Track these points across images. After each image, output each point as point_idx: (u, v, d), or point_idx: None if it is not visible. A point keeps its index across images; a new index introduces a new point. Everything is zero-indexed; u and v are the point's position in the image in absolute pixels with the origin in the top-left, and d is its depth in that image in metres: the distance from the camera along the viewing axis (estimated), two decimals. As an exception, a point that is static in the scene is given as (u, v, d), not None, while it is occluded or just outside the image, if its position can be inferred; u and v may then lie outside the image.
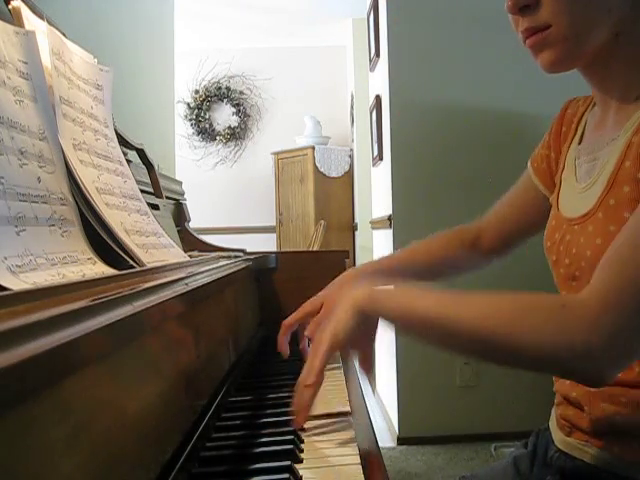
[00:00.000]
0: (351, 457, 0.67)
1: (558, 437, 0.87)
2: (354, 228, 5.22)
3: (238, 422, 0.80)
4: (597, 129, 0.84)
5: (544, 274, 0.95)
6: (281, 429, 0.74)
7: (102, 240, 0.79)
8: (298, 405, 0.72)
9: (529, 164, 1.01)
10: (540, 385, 1.38)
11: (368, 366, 0.77)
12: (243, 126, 5.81)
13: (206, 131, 5.81)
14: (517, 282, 1.71)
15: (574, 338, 0.58)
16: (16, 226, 0.60)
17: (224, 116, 5.84)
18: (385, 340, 3.26)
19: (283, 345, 0.99)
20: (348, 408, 0.81)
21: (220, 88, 5.79)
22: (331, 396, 0.90)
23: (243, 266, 1.19)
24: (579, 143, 0.88)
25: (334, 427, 0.77)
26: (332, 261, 1.53)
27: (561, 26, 0.72)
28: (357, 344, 0.76)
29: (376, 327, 0.75)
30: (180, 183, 1.73)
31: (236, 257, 1.32)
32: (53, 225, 0.68)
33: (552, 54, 0.75)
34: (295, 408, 0.72)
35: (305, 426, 0.75)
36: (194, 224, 1.63)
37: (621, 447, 0.76)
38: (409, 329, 0.73)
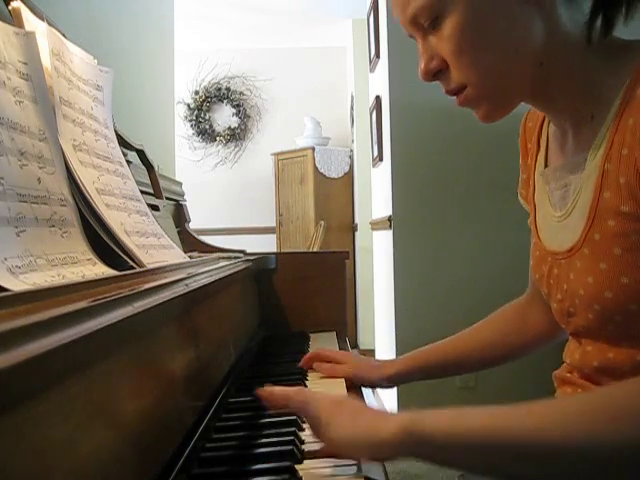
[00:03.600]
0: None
1: None
2: (354, 229, 5.21)
3: (238, 423, 0.80)
4: (560, 150, 0.79)
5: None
6: (281, 430, 0.74)
7: (102, 241, 0.79)
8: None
9: (519, 197, 0.94)
10: (540, 386, 1.38)
11: None
12: (243, 127, 5.81)
13: (206, 132, 5.81)
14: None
15: None
16: (16, 227, 0.60)
17: (224, 117, 5.84)
18: (385, 340, 3.26)
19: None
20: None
21: (220, 89, 5.79)
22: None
23: (243, 267, 1.19)
24: (545, 163, 0.83)
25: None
26: (332, 262, 1.53)
27: (475, 85, 0.70)
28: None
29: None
30: (180, 184, 1.73)
31: (236, 258, 1.32)
32: (53, 226, 0.68)
33: (482, 110, 0.73)
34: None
35: (305, 427, 0.75)
36: (194, 225, 1.63)
37: None
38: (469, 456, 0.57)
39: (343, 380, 0.99)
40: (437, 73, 0.72)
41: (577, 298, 0.72)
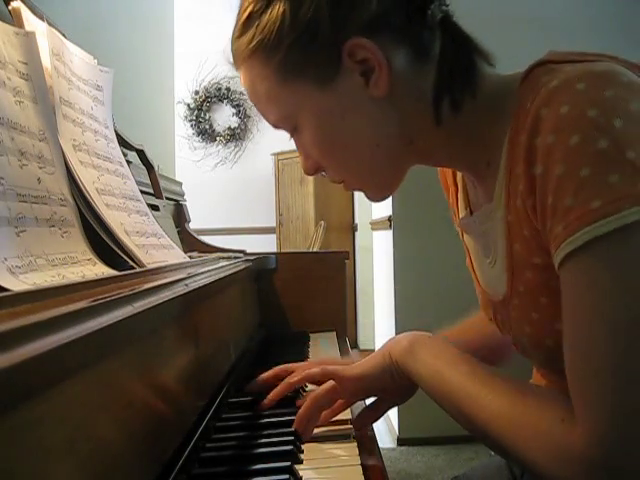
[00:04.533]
0: (351, 458, 0.67)
1: None
2: (354, 229, 5.21)
3: (238, 423, 0.80)
4: (473, 195, 0.78)
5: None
6: (281, 430, 0.74)
7: (102, 241, 0.79)
8: (303, 417, 0.72)
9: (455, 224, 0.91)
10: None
11: (370, 419, 0.76)
12: (243, 127, 5.81)
13: (206, 132, 5.81)
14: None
15: (569, 468, 0.53)
16: (16, 227, 0.60)
17: (224, 117, 5.84)
18: (385, 340, 3.26)
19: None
20: (349, 415, 0.81)
21: (220, 89, 5.79)
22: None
23: (243, 267, 1.19)
24: (465, 206, 0.80)
25: (334, 427, 0.77)
26: (332, 262, 1.53)
27: (349, 181, 0.73)
28: (383, 392, 0.74)
29: (409, 385, 0.71)
30: (180, 184, 1.73)
31: (236, 258, 1.32)
32: (53, 226, 0.68)
33: (369, 194, 0.74)
34: (300, 421, 0.72)
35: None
36: (194, 225, 1.63)
37: None
38: (433, 391, 0.67)
39: None
40: (318, 169, 0.73)
41: (525, 345, 0.72)
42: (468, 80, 0.65)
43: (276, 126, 0.72)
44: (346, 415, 0.80)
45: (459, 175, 0.82)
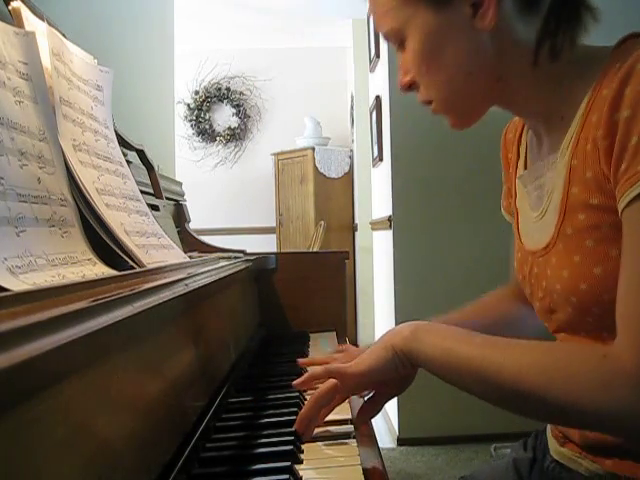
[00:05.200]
0: (351, 458, 0.67)
1: (553, 447, 0.86)
2: (354, 229, 5.21)
3: (238, 423, 0.80)
4: (537, 154, 0.83)
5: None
6: (281, 430, 0.74)
7: (102, 241, 0.79)
8: (304, 417, 0.72)
9: (502, 209, 1.00)
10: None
11: (371, 413, 0.76)
12: (243, 127, 5.81)
13: (206, 132, 5.81)
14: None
15: (618, 394, 0.57)
16: (16, 227, 0.60)
17: (224, 117, 5.84)
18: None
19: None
20: (349, 414, 0.81)
21: (220, 89, 5.79)
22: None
23: (243, 267, 1.19)
24: (524, 168, 0.86)
25: (334, 427, 0.77)
26: (332, 262, 1.53)
27: (437, 101, 0.78)
28: (381, 386, 0.75)
29: (410, 374, 0.74)
30: (180, 184, 1.73)
31: (236, 258, 1.32)
32: (53, 226, 0.68)
33: (450, 120, 0.80)
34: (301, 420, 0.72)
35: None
36: (194, 225, 1.63)
37: (614, 462, 0.74)
38: (448, 371, 0.69)
39: None
40: (412, 85, 0.79)
41: (555, 293, 0.75)
42: (571, 31, 0.72)
43: (386, 38, 0.78)
44: (346, 415, 0.80)
45: (523, 144, 0.88)
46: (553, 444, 0.86)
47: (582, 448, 0.78)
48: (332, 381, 0.74)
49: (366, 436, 0.75)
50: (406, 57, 0.77)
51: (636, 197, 0.60)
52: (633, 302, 0.59)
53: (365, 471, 0.63)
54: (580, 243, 0.70)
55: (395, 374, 0.73)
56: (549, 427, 0.89)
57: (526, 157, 0.87)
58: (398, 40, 0.76)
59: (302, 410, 0.73)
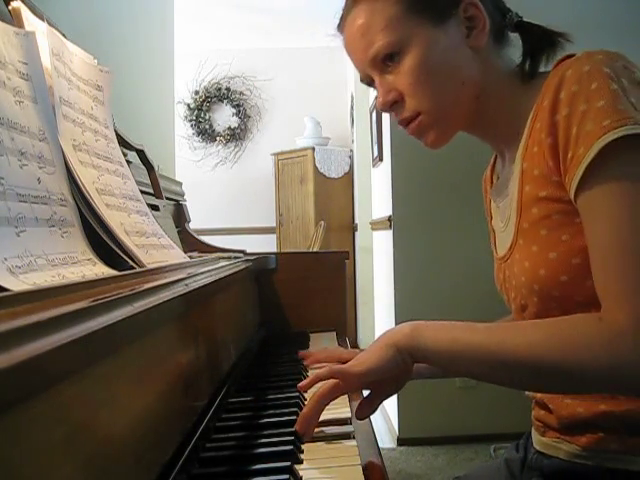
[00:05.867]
0: (351, 458, 0.67)
1: (536, 438, 0.90)
2: (354, 229, 5.21)
3: (238, 423, 0.80)
4: (502, 170, 0.92)
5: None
6: (281, 430, 0.74)
7: (102, 241, 0.79)
8: (305, 416, 0.72)
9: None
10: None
11: (368, 410, 0.77)
12: (243, 127, 5.81)
13: (206, 132, 5.81)
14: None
15: (619, 348, 0.62)
16: (16, 227, 0.60)
17: (224, 117, 5.84)
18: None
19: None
20: (349, 414, 0.81)
21: (220, 89, 5.79)
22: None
23: (243, 267, 1.19)
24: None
25: (334, 428, 0.77)
26: (332, 262, 1.53)
27: (428, 112, 0.82)
28: (379, 385, 0.76)
29: (408, 372, 0.76)
30: (180, 184, 1.73)
31: (236, 258, 1.32)
32: (53, 226, 0.68)
33: (431, 136, 0.85)
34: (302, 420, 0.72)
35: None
36: (194, 225, 1.63)
37: (588, 439, 0.80)
38: (456, 361, 0.72)
39: None
40: (393, 104, 0.84)
41: (522, 287, 0.81)
42: (545, 54, 0.84)
43: (374, 58, 0.82)
44: (346, 414, 0.80)
45: (496, 173, 0.98)
46: (535, 436, 0.91)
47: (560, 432, 0.84)
48: (333, 381, 0.74)
49: (366, 436, 0.75)
50: (390, 76, 0.83)
51: (583, 176, 0.68)
52: (613, 268, 0.66)
53: (365, 471, 0.63)
54: (536, 234, 0.78)
55: (396, 371, 0.74)
56: (533, 421, 0.92)
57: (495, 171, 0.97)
58: (393, 51, 0.81)
59: (304, 410, 0.73)
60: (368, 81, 0.88)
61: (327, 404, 0.74)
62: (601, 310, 0.66)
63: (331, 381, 0.74)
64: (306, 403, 0.74)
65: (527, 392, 0.90)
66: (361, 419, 0.76)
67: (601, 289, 0.67)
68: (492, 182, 0.99)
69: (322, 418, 0.76)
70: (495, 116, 0.85)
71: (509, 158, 0.87)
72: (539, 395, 0.87)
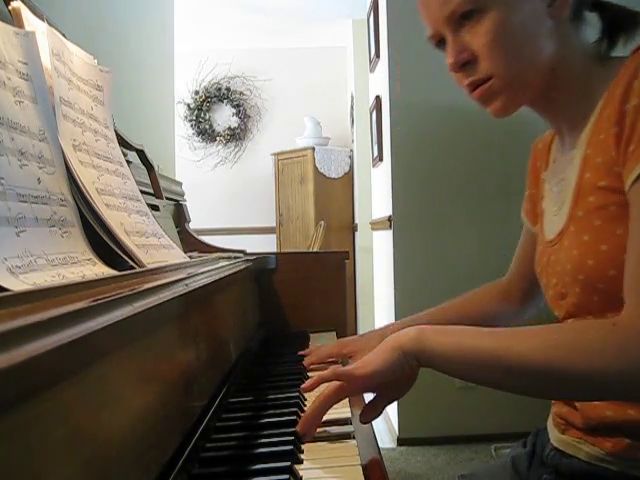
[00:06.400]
0: (351, 458, 0.67)
1: (554, 435, 0.88)
2: (354, 229, 5.21)
3: (238, 423, 0.80)
4: (559, 153, 0.90)
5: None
6: (281, 430, 0.74)
7: (102, 241, 0.79)
8: (308, 417, 0.72)
9: (522, 212, 1.07)
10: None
11: (372, 415, 0.76)
12: (243, 127, 5.81)
13: (206, 132, 5.81)
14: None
15: (633, 354, 0.61)
16: (16, 227, 0.60)
17: (224, 117, 5.84)
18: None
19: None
20: (349, 414, 0.81)
21: (220, 89, 5.79)
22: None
23: (243, 267, 1.19)
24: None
25: (335, 427, 0.77)
26: (332, 262, 1.53)
27: (502, 76, 0.78)
28: (384, 389, 0.75)
29: (413, 376, 0.75)
30: (180, 184, 1.73)
31: (236, 258, 1.32)
32: (53, 226, 0.68)
33: (499, 103, 0.81)
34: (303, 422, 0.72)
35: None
36: (194, 225, 1.63)
37: (613, 444, 0.77)
38: (462, 365, 0.70)
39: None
40: (464, 65, 0.80)
41: (567, 275, 0.79)
42: (628, 33, 0.82)
43: (452, 13, 0.78)
44: (346, 415, 0.80)
45: (552, 154, 0.94)
46: (554, 433, 0.88)
47: (584, 432, 0.81)
48: (337, 383, 0.73)
49: (366, 436, 0.75)
50: (466, 34, 0.79)
51: None
52: None
53: (365, 471, 0.63)
54: (589, 223, 0.76)
55: (401, 375, 0.73)
56: (550, 417, 0.91)
57: (554, 163, 0.93)
58: (472, 7, 0.77)
59: (307, 412, 0.73)
60: (437, 40, 0.83)
61: (330, 407, 0.73)
62: (621, 312, 0.65)
63: (335, 383, 0.73)
64: (309, 405, 0.74)
65: None
66: (365, 423, 0.76)
67: (626, 291, 0.66)
68: (547, 161, 0.96)
69: (322, 418, 0.76)
70: (566, 93, 0.82)
71: (570, 142, 0.85)
72: None
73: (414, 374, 0.75)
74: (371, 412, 0.76)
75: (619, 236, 0.72)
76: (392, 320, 2.94)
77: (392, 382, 0.75)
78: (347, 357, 1.09)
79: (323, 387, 0.75)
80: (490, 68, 0.78)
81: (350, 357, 1.08)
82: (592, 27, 0.84)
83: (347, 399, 0.88)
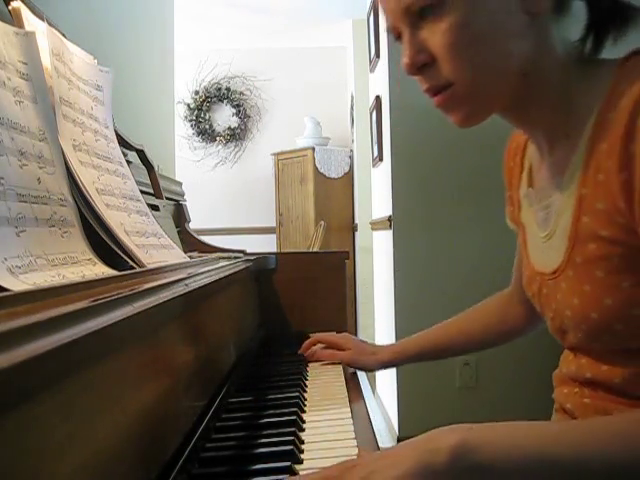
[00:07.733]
0: (351, 458, 0.67)
1: None
2: (354, 229, 5.21)
3: (238, 423, 0.80)
4: (539, 169, 0.79)
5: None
6: (281, 430, 0.74)
7: (102, 241, 0.79)
8: None
9: (506, 216, 0.97)
10: (539, 386, 1.38)
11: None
12: (243, 127, 5.81)
13: (206, 132, 5.81)
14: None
15: None
16: (16, 227, 0.60)
17: (224, 117, 5.84)
18: (385, 340, 3.26)
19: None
20: (349, 414, 0.81)
21: (220, 89, 5.79)
22: (331, 398, 0.90)
23: (243, 267, 1.19)
24: (528, 183, 0.83)
25: (334, 427, 0.77)
26: (332, 262, 1.53)
27: (463, 83, 0.68)
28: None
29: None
30: (180, 184, 1.73)
31: (236, 258, 1.32)
32: (53, 226, 0.68)
33: (462, 113, 0.71)
34: None
35: (305, 427, 0.75)
36: (194, 225, 1.63)
37: None
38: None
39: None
40: (422, 67, 0.70)
41: (566, 319, 0.73)
42: (616, 29, 0.70)
43: (411, 4, 0.67)
44: (346, 414, 0.80)
45: (527, 156, 0.85)
46: None
47: None
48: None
49: (366, 436, 0.75)
50: (425, 32, 0.68)
51: None
52: None
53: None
54: (590, 273, 0.67)
55: None
56: (552, 418, 0.89)
57: (530, 170, 0.83)
58: (428, 6, 0.67)
59: None
60: (397, 34, 0.72)
61: None
62: None
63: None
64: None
65: (554, 396, 0.85)
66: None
67: None
68: (522, 165, 0.86)
69: (322, 418, 0.76)
70: (541, 100, 0.71)
71: (553, 161, 0.74)
72: (568, 405, 0.79)
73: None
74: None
75: (625, 290, 0.65)
76: (392, 321, 2.94)
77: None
78: (344, 350, 1.11)
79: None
80: (450, 74, 0.68)
81: (349, 354, 1.10)
82: (578, 22, 0.72)
83: (347, 400, 0.88)
